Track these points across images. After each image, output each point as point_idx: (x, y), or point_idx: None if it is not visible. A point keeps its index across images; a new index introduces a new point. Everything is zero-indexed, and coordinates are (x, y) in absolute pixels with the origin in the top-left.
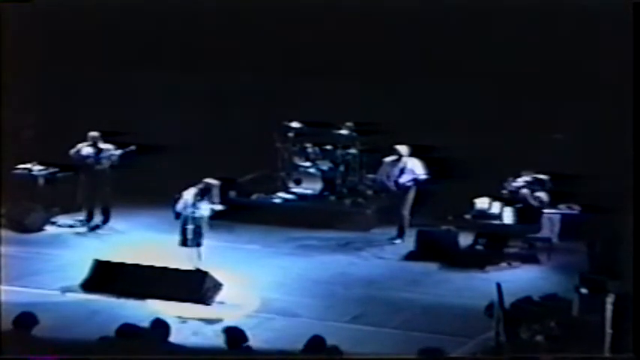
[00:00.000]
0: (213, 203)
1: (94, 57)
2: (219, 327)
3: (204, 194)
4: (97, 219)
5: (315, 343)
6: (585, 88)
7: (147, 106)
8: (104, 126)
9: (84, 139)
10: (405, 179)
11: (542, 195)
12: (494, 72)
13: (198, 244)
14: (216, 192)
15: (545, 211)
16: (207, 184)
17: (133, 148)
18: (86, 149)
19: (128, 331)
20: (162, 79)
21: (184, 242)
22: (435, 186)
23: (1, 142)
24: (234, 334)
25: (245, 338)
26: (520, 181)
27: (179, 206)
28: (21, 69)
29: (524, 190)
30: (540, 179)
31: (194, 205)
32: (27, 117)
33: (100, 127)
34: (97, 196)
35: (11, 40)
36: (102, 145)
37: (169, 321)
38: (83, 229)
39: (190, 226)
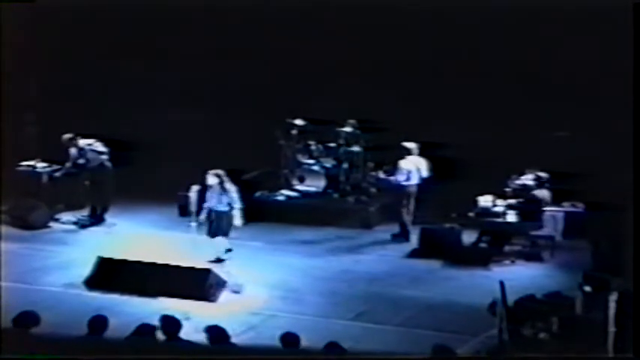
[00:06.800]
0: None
1: (96, 55)
2: (222, 324)
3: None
4: (99, 216)
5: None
6: (586, 87)
7: (149, 103)
8: (107, 124)
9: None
10: (407, 177)
11: (544, 193)
12: (497, 71)
13: (219, 234)
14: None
15: (549, 209)
16: (217, 175)
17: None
18: (74, 152)
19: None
20: (165, 77)
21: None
22: (438, 184)
23: (5, 139)
24: (217, 333)
25: (227, 336)
26: (523, 179)
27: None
28: (22, 67)
29: (528, 188)
30: (541, 177)
31: (217, 197)
32: (30, 114)
33: (103, 125)
34: (97, 193)
35: (12, 39)
36: (82, 144)
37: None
38: (83, 227)
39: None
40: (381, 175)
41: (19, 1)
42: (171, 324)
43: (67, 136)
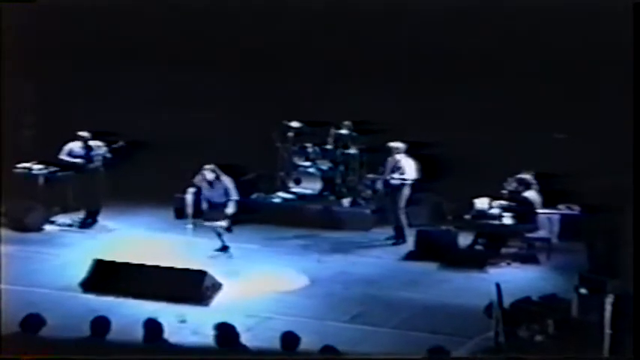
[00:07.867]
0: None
1: (95, 56)
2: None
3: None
4: (93, 218)
5: (289, 339)
6: (585, 87)
7: (146, 104)
8: (104, 125)
9: (74, 139)
10: (396, 178)
11: (539, 195)
12: (495, 71)
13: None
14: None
15: (545, 211)
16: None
17: (122, 143)
18: (77, 149)
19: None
20: (162, 77)
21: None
22: (432, 185)
23: (1, 141)
24: (226, 331)
25: (237, 335)
26: (519, 181)
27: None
28: (21, 68)
29: (524, 190)
30: (537, 179)
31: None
32: (27, 116)
33: (100, 126)
34: (91, 195)
35: (11, 40)
36: (92, 144)
37: (168, 320)
38: (78, 229)
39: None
40: (387, 175)
41: (19, 1)
42: (154, 327)
43: (83, 133)
